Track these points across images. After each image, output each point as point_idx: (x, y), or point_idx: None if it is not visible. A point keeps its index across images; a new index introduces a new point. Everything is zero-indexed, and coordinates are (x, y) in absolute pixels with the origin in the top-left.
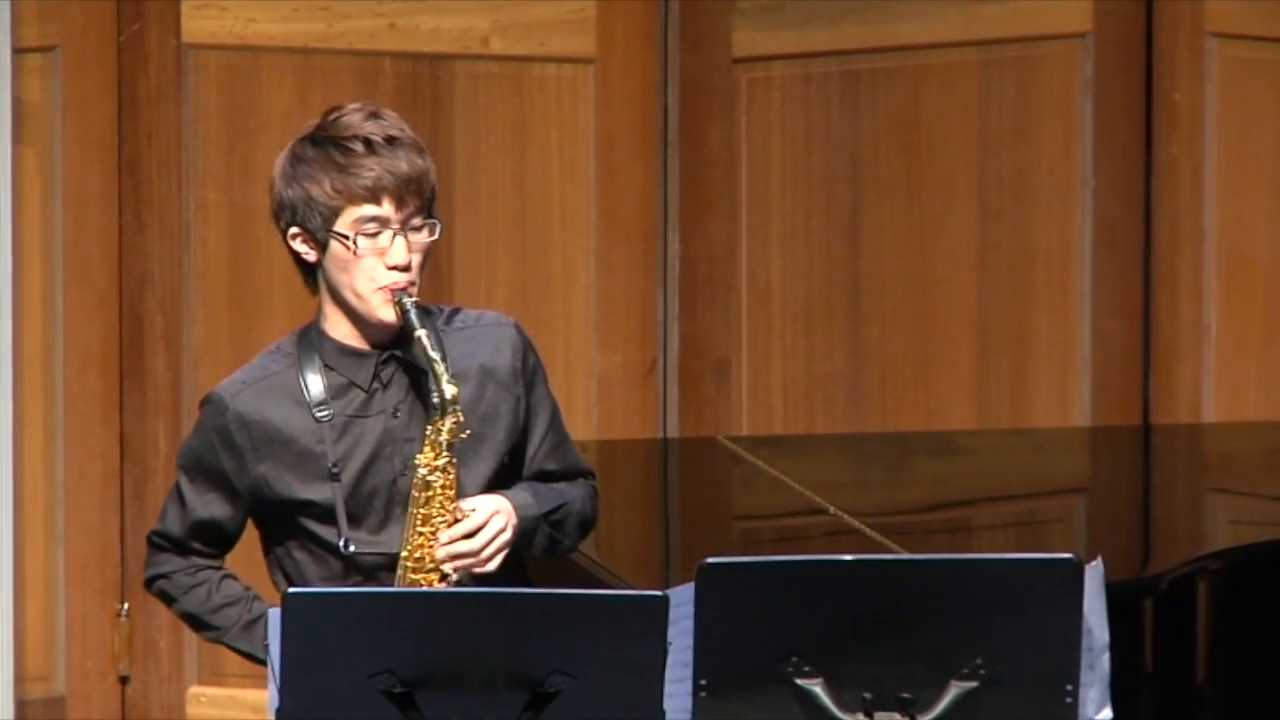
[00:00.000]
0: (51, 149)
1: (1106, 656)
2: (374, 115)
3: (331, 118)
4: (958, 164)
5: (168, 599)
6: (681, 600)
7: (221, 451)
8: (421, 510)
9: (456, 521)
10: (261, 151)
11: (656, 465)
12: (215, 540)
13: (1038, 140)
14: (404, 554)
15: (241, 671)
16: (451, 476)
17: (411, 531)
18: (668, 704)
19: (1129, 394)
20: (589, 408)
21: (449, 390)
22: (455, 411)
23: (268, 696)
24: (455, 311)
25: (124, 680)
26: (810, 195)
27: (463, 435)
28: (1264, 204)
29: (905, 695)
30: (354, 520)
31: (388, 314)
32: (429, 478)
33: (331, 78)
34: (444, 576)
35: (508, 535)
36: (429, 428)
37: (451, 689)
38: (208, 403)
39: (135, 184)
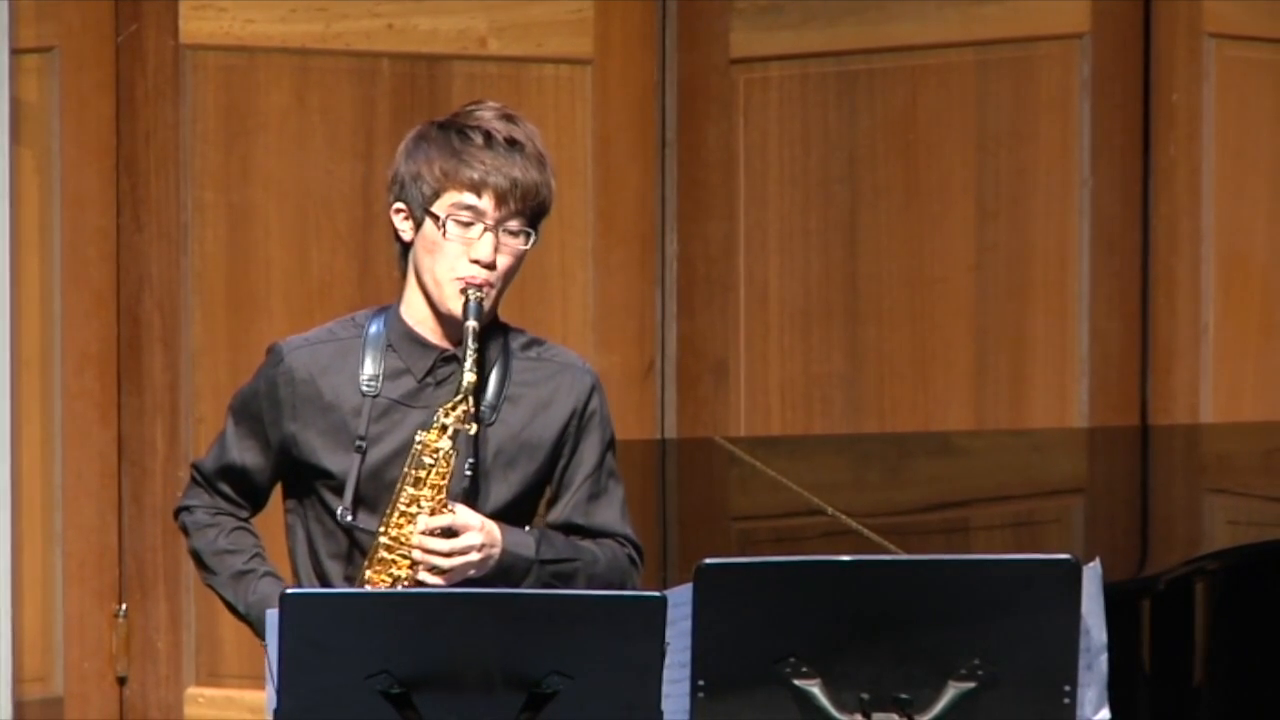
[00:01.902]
0: (49, 150)
1: (1104, 657)
2: (508, 118)
3: (468, 108)
4: (955, 164)
5: (185, 532)
6: (679, 601)
7: (265, 401)
8: (409, 489)
9: (440, 514)
10: (259, 152)
11: (654, 466)
12: (243, 489)
13: (1035, 141)
14: (382, 528)
15: (239, 672)
16: (447, 468)
17: (395, 509)
18: (665, 704)
19: (1127, 394)
20: None
21: (468, 377)
22: (467, 400)
23: (265, 697)
24: (538, 341)
25: (122, 681)
26: (808, 196)
27: (467, 427)
28: (1261, 204)
29: (903, 696)
30: (364, 503)
31: (456, 305)
32: (424, 458)
33: (329, 78)
34: (413, 564)
35: (476, 558)
36: (440, 409)
37: (449, 689)
38: (270, 351)
39: (133, 184)
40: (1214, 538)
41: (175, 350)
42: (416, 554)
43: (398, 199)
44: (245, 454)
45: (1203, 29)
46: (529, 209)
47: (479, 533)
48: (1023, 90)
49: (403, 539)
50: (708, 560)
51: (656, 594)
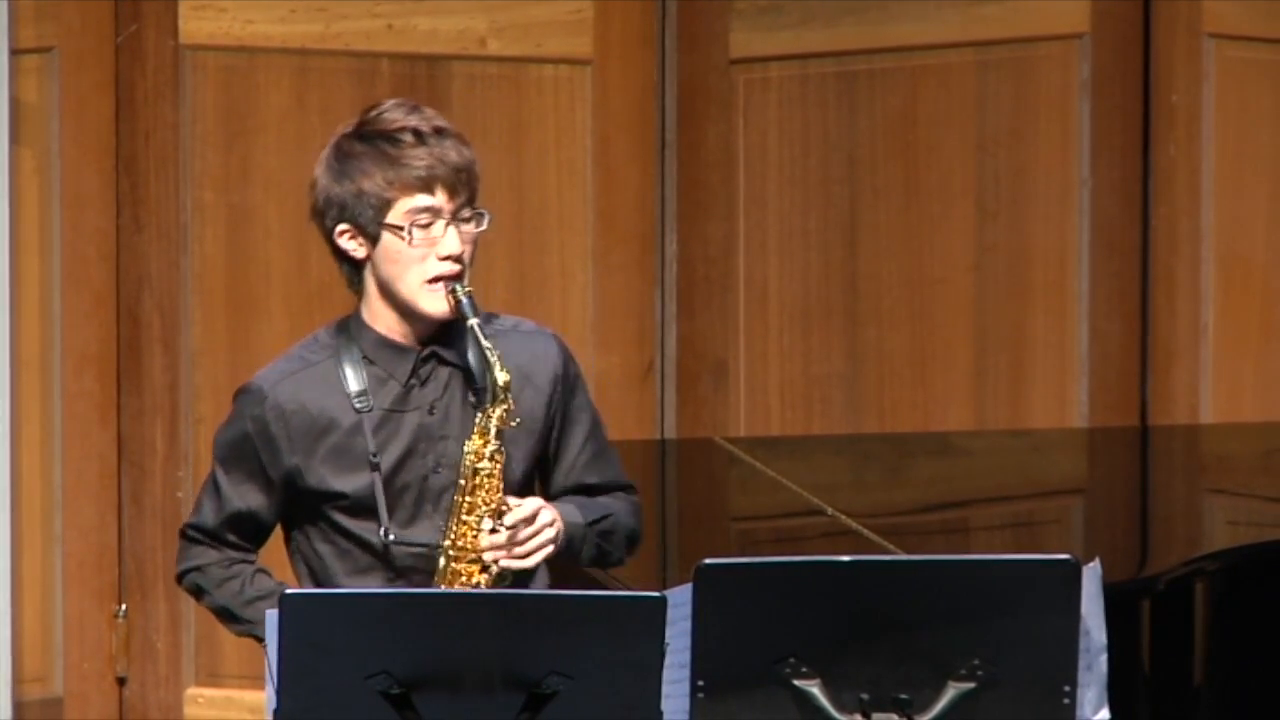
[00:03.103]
0: (49, 150)
1: (1104, 657)
2: (416, 109)
3: (374, 113)
4: (955, 165)
5: (200, 592)
6: (679, 601)
7: (258, 441)
8: (467, 499)
9: (502, 513)
10: (259, 152)
11: (654, 466)
12: (251, 532)
13: (1035, 141)
14: (446, 542)
15: (239, 673)
16: (499, 466)
17: (455, 520)
18: (665, 705)
19: (1126, 395)
20: None
21: (501, 377)
22: (506, 399)
23: (265, 697)
24: (493, 316)
25: (121, 681)
26: (808, 196)
27: (512, 424)
28: (1261, 204)
29: (903, 696)
30: (389, 513)
31: (438, 306)
32: (477, 465)
33: (329, 79)
34: (485, 568)
35: (552, 533)
36: (479, 415)
37: (449, 690)
38: (245, 392)
39: (133, 185)
40: (1214, 538)
41: (175, 351)
42: (487, 556)
43: (340, 221)
44: (248, 497)
45: (1202, 29)
46: (473, 190)
47: (548, 511)
48: (1022, 90)
49: (470, 546)
50: (708, 560)
51: (656, 594)
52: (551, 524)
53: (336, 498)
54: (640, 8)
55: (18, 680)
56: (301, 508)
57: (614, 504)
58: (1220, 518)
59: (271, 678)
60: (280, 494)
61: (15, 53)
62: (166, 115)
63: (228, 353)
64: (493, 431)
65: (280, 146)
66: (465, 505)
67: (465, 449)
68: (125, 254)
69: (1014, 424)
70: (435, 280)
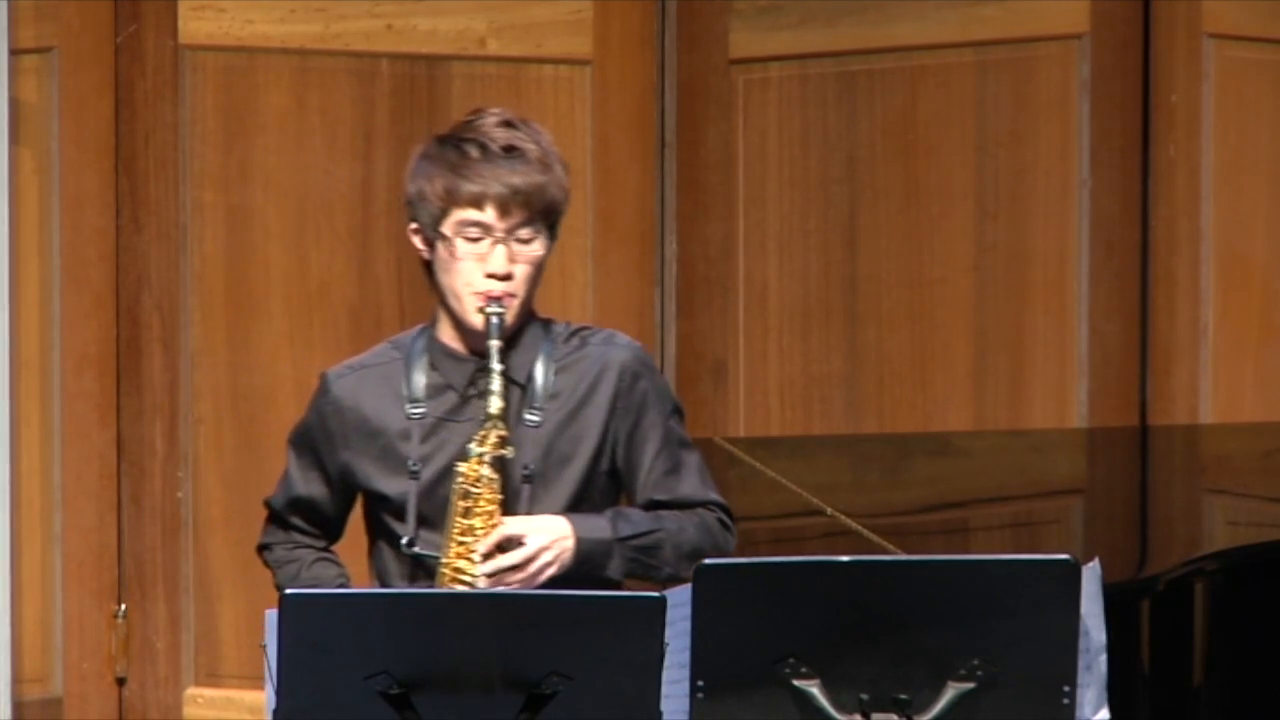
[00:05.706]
0: (48, 150)
1: (1103, 657)
2: (508, 124)
3: (467, 119)
4: (954, 165)
5: (269, 568)
6: (678, 601)
7: (318, 433)
8: (461, 520)
9: (500, 538)
10: (258, 153)
11: None
12: (314, 519)
13: (1035, 141)
14: (444, 560)
15: (238, 673)
16: (493, 494)
17: (453, 540)
18: (665, 705)
19: (1126, 395)
20: None
21: (494, 405)
22: (499, 426)
23: (265, 697)
24: (580, 329)
25: (121, 681)
26: (807, 196)
27: (504, 451)
28: (1260, 204)
29: (902, 696)
30: (426, 522)
31: (479, 320)
32: (470, 488)
33: (329, 79)
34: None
35: (549, 557)
36: (473, 439)
37: (449, 690)
38: (320, 380)
39: (132, 185)
40: (1213, 538)
41: (174, 351)
42: (481, 584)
43: (411, 219)
44: (310, 486)
45: (1202, 29)
46: (536, 214)
47: (539, 534)
48: (1022, 91)
49: (463, 569)
50: (707, 560)
51: (656, 594)
52: (547, 548)
53: (383, 500)
54: (640, 8)
55: (17, 680)
56: (365, 505)
57: (678, 518)
58: (1220, 518)
59: (271, 678)
60: (339, 486)
61: (15, 53)
62: (166, 115)
63: (227, 353)
64: (487, 457)
65: (280, 147)
66: (460, 527)
67: (458, 468)
68: (125, 254)
69: (1014, 424)
70: (478, 295)
